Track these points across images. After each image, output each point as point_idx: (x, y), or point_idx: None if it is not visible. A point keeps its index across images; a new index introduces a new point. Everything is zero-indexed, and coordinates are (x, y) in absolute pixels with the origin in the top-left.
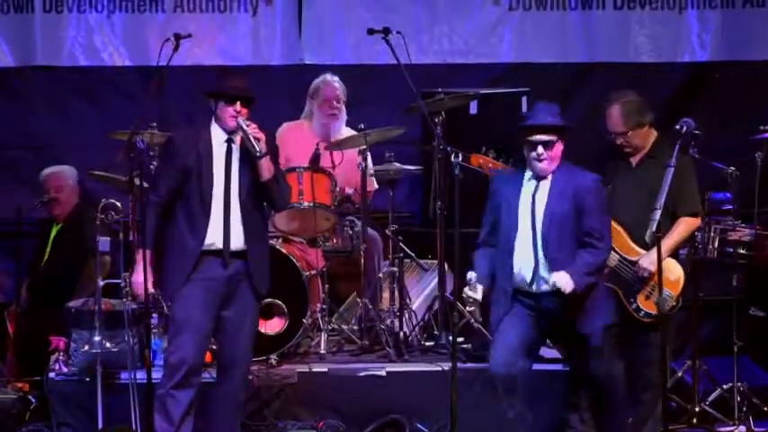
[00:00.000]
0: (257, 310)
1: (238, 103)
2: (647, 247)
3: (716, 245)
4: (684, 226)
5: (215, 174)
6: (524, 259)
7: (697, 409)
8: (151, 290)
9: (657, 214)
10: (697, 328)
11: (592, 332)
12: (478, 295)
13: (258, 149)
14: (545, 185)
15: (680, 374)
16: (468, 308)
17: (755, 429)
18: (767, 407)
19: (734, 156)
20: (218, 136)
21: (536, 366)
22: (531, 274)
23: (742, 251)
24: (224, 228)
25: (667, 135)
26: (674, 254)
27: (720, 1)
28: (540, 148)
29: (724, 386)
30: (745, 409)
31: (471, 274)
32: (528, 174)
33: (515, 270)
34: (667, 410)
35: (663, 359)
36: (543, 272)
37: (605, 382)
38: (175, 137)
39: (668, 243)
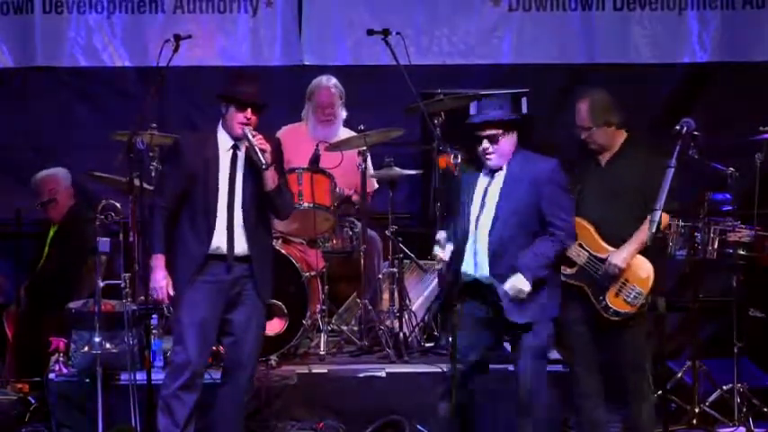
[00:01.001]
0: (263, 314)
1: (249, 110)
2: (616, 245)
3: (715, 246)
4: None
5: (220, 180)
6: (473, 251)
7: (697, 410)
8: (172, 292)
9: (657, 215)
10: (697, 329)
11: (530, 326)
12: (446, 255)
13: (264, 161)
14: (500, 177)
15: (680, 375)
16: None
17: (755, 430)
18: (767, 408)
19: (734, 156)
20: (224, 142)
21: None
22: (479, 267)
23: (742, 252)
24: (227, 233)
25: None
26: (672, 255)
27: (720, 2)
28: (486, 143)
29: (724, 387)
30: (744, 410)
31: (441, 234)
32: (484, 169)
33: (466, 261)
34: (667, 412)
35: (639, 361)
36: (484, 263)
37: (532, 383)
38: (182, 142)
39: (638, 239)
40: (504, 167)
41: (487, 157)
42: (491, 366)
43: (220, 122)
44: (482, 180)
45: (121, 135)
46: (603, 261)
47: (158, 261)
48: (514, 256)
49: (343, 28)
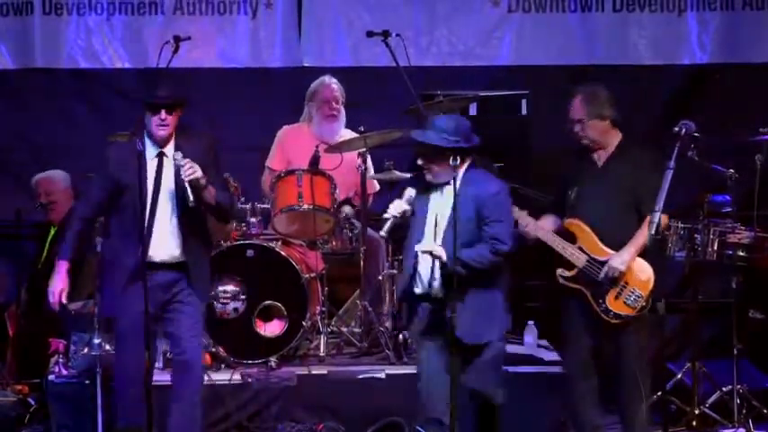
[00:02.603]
0: (203, 312)
1: (163, 111)
2: (615, 248)
3: (715, 247)
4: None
5: (149, 188)
6: (424, 265)
7: (696, 412)
8: (64, 301)
9: (657, 216)
10: (696, 330)
11: (479, 344)
12: (397, 211)
13: (191, 199)
14: (450, 192)
15: (679, 377)
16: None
17: None
18: (767, 409)
19: (733, 158)
20: (150, 150)
21: (535, 369)
22: (428, 280)
23: (741, 253)
24: (159, 241)
25: (666, 137)
26: (670, 256)
27: (720, 3)
28: (420, 160)
29: (724, 389)
30: (744, 411)
31: (410, 192)
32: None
33: (417, 275)
34: (666, 413)
35: (637, 364)
36: (436, 278)
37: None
38: (111, 151)
39: (637, 242)
40: (454, 185)
41: (426, 174)
42: None
43: (144, 131)
44: (434, 195)
45: (121, 136)
46: (603, 264)
47: (60, 267)
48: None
49: (342, 29)
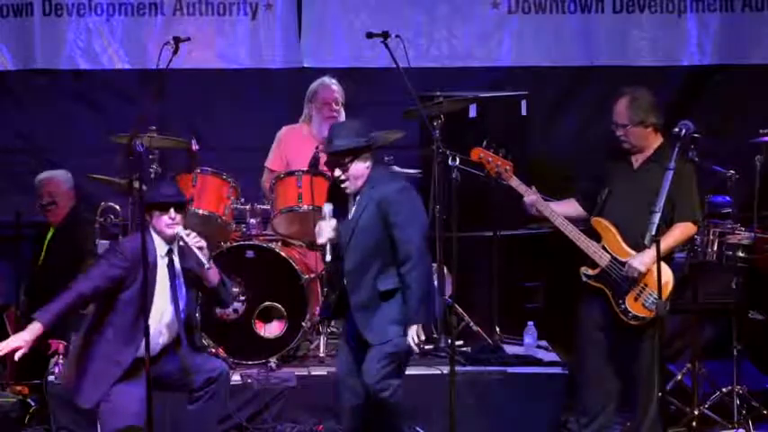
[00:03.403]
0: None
1: (172, 209)
2: (638, 249)
3: (715, 248)
4: (680, 231)
5: (158, 286)
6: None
7: (696, 413)
8: (16, 358)
9: (656, 217)
10: (696, 331)
11: (373, 342)
12: (328, 235)
13: (204, 261)
14: (354, 204)
15: (679, 378)
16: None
17: None
18: (766, 410)
19: (733, 159)
20: (160, 247)
21: (534, 369)
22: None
23: (741, 254)
24: (160, 337)
25: (667, 138)
26: (670, 257)
27: (720, 4)
28: (338, 171)
29: (723, 389)
30: (744, 412)
31: (327, 207)
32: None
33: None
34: (666, 414)
35: (652, 366)
36: (352, 288)
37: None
38: (125, 248)
39: (662, 246)
40: (361, 192)
41: (343, 185)
42: (485, 368)
43: (151, 228)
44: (351, 202)
45: (121, 137)
46: (622, 263)
47: (35, 329)
48: (369, 285)
49: (342, 31)
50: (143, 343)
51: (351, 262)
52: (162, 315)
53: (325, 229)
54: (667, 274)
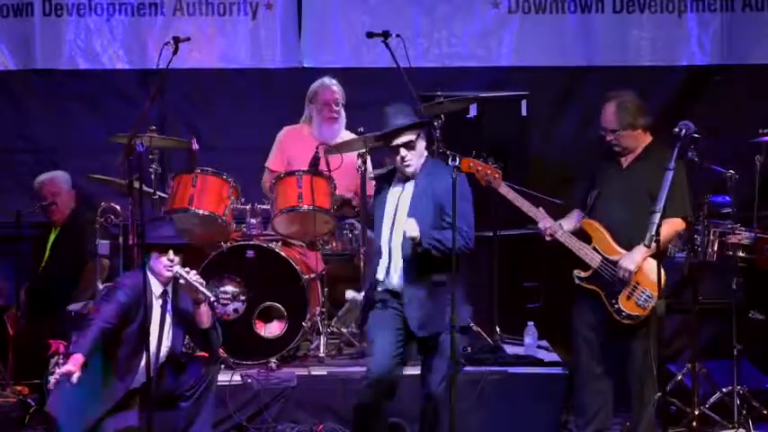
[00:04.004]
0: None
1: (171, 251)
2: (629, 248)
3: (715, 248)
4: (669, 227)
5: (152, 329)
6: (393, 264)
7: (697, 413)
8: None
9: (656, 217)
10: (696, 331)
11: (433, 337)
12: (359, 296)
13: (209, 294)
14: (409, 188)
15: (680, 378)
16: (343, 310)
17: None
18: (767, 410)
19: (733, 159)
20: (156, 288)
21: (535, 369)
22: (397, 279)
23: (741, 254)
24: (151, 375)
25: (663, 138)
26: (671, 257)
27: (720, 4)
28: (403, 151)
29: (724, 389)
30: (744, 412)
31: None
32: (396, 178)
33: (381, 270)
34: (666, 414)
35: (648, 365)
36: (395, 272)
37: (438, 401)
38: (128, 291)
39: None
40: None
41: (406, 164)
42: (485, 369)
43: (147, 269)
44: (393, 192)
45: (121, 137)
46: (614, 262)
47: (78, 358)
48: (425, 266)
49: (342, 30)
50: (135, 378)
51: (407, 249)
52: (156, 354)
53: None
54: (660, 272)
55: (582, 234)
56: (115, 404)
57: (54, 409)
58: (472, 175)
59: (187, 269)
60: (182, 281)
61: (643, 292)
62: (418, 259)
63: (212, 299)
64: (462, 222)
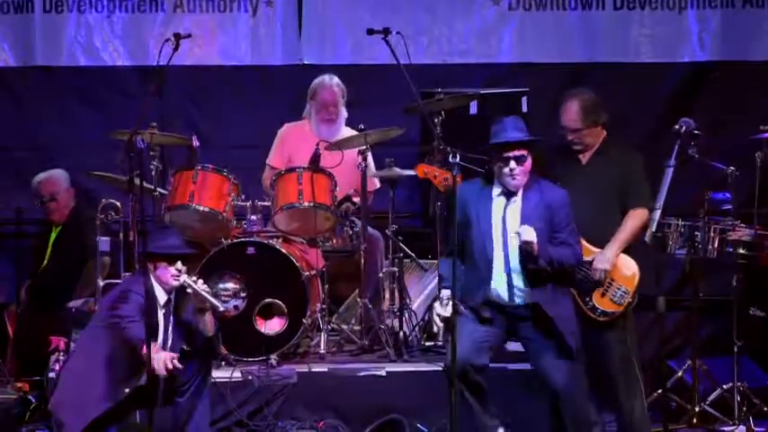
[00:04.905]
0: None
1: (179, 262)
2: (601, 245)
3: (716, 245)
4: (634, 220)
5: (159, 338)
6: (500, 276)
7: (697, 409)
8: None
9: (657, 214)
10: (697, 328)
11: (564, 335)
12: (448, 312)
13: (218, 304)
14: (516, 201)
15: (680, 374)
16: (435, 326)
17: (755, 429)
18: (767, 407)
19: (734, 155)
20: (160, 297)
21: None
22: (507, 290)
23: (742, 251)
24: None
25: (667, 135)
26: (671, 254)
27: (720, 0)
28: (513, 164)
29: (724, 386)
30: (745, 409)
31: (445, 292)
32: (497, 189)
33: (492, 287)
34: (667, 411)
35: (627, 358)
36: (518, 285)
37: (563, 394)
38: (140, 297)
39: (620, 238)
40: (519, 191)
41: (515, 177)
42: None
43: (152, 277)
44: (498, 201)
45: (122, 134)
46: (589, 263)
47: (164, 354)
48: (534, 279)
49: (343, 27)
50: (138, 382)
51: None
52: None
53: (446, 313)
54: (633, 266)
55: None
56: (116, 404)
57: (57, 407)
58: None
59: (194, 278)
60: (189, 290)
61: (618, 289)
62: (538, 276)
63: (221, 308)
64: (575, 239)
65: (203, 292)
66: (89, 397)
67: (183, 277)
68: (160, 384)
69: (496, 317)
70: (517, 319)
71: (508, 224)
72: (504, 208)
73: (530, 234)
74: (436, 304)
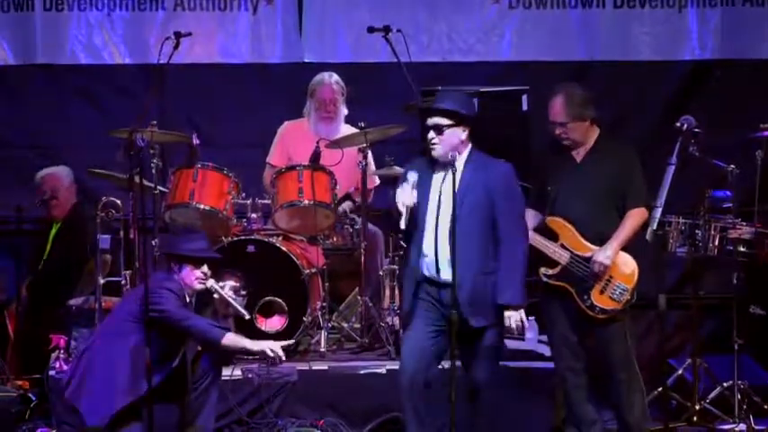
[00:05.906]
0: None
1: (205, 265)
2: (598, 243)
3: (716, 243)
4: (634, 218)
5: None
6: (431, 249)
7: (697, 407)
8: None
9: (658, 212)
10: (697, 325)
11: (486, 329)
12: (410, 201)
13: (242, 311)
14: (455, 175)
15: (680, 372)
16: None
17: (756, 427)
18: (767, 405)
19: (734, 154)
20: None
21: (534, 365)
22: (434, 265)
23: (742, 249)
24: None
25: (667, 133)
26: (671, 252)
27: None
28: (432, 133)
29: (724, 384)
30: (745, 407)
31: (414, 176)
32: (437, 166)
33: (422, 259)
34: (667, 408)
35: (626, 354)
36: (444, 263)
37: (485, 388)
38: (173, 295)
39: (620, 237)
40: (459, 168)
41: (432, 146)
42: None
43: (178, 279)
44: (437, 175)
45: (122, 132)
46: (587, 260)
47: (270, 344)
48: (467, 256)
49: (343, 25)
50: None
51: (459, 240)
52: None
53: (408, 195)
54: (632, 264)
55: (547, 232)
56: (137, 399)
57: (74, 398)
58: None
59: (222, 284)
60: (216, 295)
61: (618, 286)
62: (468, 254)
63: (246, 316)
64: (519, 229)
65: (229, 299)
66: (113, 389)
67: (210, 282)
68: (189, 376)
69: (431, 295)
70: (443, 298)
71: (442, 199)
72: (441, 183)
73: (517, 322)
74: (399, 189)
